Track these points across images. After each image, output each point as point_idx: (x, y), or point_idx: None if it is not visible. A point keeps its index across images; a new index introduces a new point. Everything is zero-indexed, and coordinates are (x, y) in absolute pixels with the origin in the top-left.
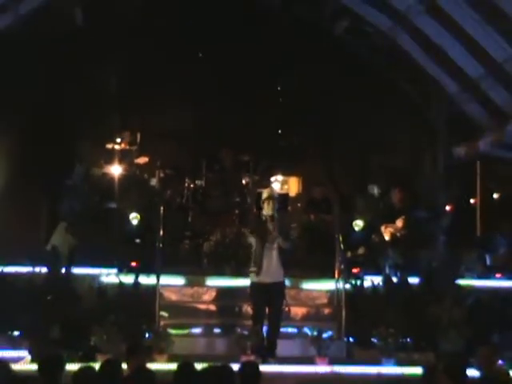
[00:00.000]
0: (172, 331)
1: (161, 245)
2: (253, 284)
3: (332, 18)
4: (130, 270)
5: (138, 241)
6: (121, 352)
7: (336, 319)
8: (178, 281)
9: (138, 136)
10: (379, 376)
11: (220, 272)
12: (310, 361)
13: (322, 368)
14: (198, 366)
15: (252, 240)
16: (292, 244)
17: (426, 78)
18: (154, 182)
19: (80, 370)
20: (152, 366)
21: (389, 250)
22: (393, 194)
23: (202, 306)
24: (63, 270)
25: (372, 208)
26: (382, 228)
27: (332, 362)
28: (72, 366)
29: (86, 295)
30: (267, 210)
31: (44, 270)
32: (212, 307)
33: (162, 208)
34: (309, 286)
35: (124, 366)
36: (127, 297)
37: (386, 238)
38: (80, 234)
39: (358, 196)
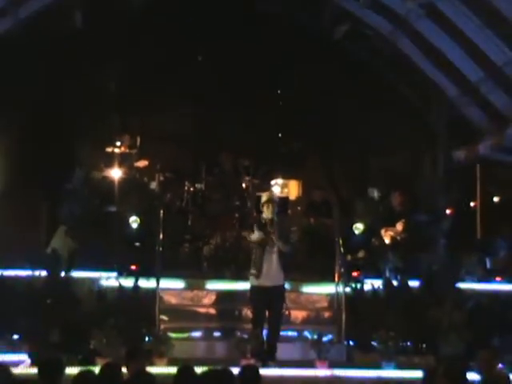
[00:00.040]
0: (172, 335)
1: (161, 248)
2: (253, 287)
3: (332, 22)
4: (129, 274)
5: (137, 244)
6: (120, 356)
7: (336, 323)
8: (178, 284)
9: (138, 139)
10: (379, 379)
11: (220, 275)
12: (310, 364)
13: (322, 371)
14: (198, 370)
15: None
16: (292, 247)
17: (426, 81)
18: (153, 185)
19: (80, 373)
20: (152, 369)
21: (389, 254)
22: (393, 198)
23: (202, 310)
24: (63, 274)
25: (372, 211)
26: (382, 231)
27: (332, 366)
28: (72, 370)
29: (85, 299)
30: (267, 213)
31: (44, 273)
32: (212, 311)
33: (161, 211)
34: (309, 289)
35: (124, 369)
36: (127, 300)
37: (386, 241)
38: (80, 237)
39: (358, 199)
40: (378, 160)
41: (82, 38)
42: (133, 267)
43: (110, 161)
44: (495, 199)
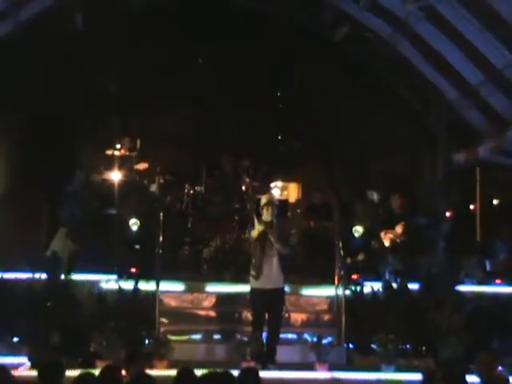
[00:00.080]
0: (172, 337)
1: (160, 251)
2: (253, 290)
3: (332, 24)
4: (129, 276)
5: (137, 247)
6: (120, 358)
7: (336, 325)
8: (178, 287)
9: (138, 142)
10: (379, 382)
11: (220, 278)
12: (309, 367)
13: (321, 374)
14: (198, 373)
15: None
16: (292, 250)
17: (425, 84)
18: (153, 187)
19: (80, 376)
20: (152, 372)
21: (388, 256)
22: (392, 200)
23: (202, 312)
24: (63, 276)
25: (372, 214)
26: (382, 234)
27: (332, 368)
28: (72, 373)
29: (85, 301)
30: (266, 215)
31: (44, 275)
32: (212, 313)
33: (161, 214)
34: (309, 292)
35: (124, 372)
36: (127, 303)
37: (386, 244)
38: (80, 239)
39: (357, 202)
40: (378, 162)
41: (83, 41)
42: (133, 270)
43: (110, 163)
44: (495, 202)
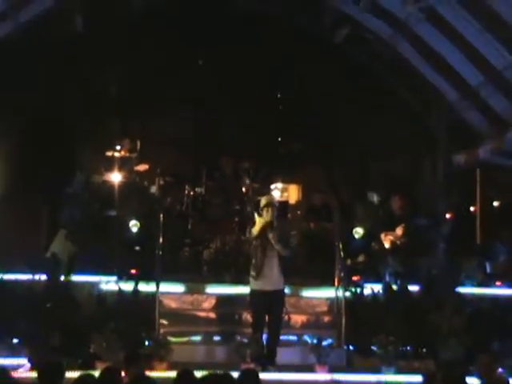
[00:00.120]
0: (172, 339)
1: (160, 252)
2: (253, 291)
3: (332, 25)
4: (129, 278)
5: (137, 248)
6: (120, 360)
7: (336, 327)
8: (178, 288)
9: (138, 143)
10: None
11: (220, 280)
12: (309, 369)
13: (321, 376)
14: (198, 374)
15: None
16: (292, 251)
17: (426, 85)
18: (153, 189)
19: (80, 377)
20: (152, 373)
21: (389, 258)
22: (393, 202)
23: (202, 314)
24: (63, 278)
25: (372, 215)
26: (382, 236)
27: (332, 370)
28: (71, 374)
29: (85, 303)
30: (266, 217)
31: (44, 277)
32: (212, 315)
33: (161, 215)
34: (309, 293)
35: (123, 373)
36: (127, 304)
37: (386, 245)
38: (80, 241)
39: (357, 203)
40: (378, 164)
41: (83, 42)
42: (133, 271)
43: (110, 165)
44: (495, 203)
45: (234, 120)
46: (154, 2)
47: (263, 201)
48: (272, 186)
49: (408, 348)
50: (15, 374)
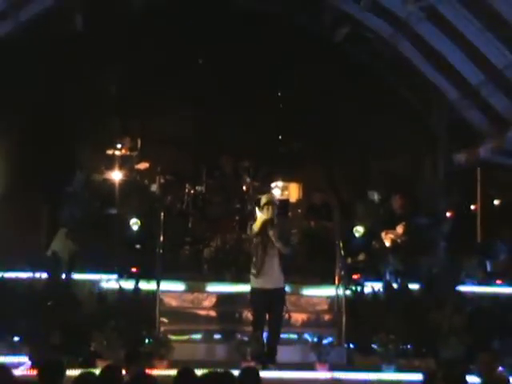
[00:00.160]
0: (172, 337)
1: (161, 251)
2: (253, 290)
3: (332, 24)
4: (130, 276)
5: (138, 246)
6: (121, 358)
7: (336, 325)
8: (178, 287)
9: (139, 142)
10: (379, 382)
11: (220, 278)
12: (310, 367)
13: (322, 374)
14: (198, 372)
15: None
16: (292, 250)
17: (426, 84)
18: (154, 187)
19: (80, 375)
20: (152, 371)
21: (389, 256)
22: (393, 200)
23: (202, 312)
24: (63, 276)
25: (372, 214)
26: (383, 234)
27: (332, 369)
28: (72, 372)
29: (86, 301)
30: (267, 215)
31: (44, 275)
32: (212, 313)
33: (162, 214)
34: (309, 292)
35: (124, 371)
36: (127, 303)
37: (387, 244)
38: (80, 239)
39: (358, 202)
40: (379, 163)
41: (83, 41)
42: (133, 269)
43: (110, 163)
44: (496, 202)
45: (234, 119)
46: (154, 0)
47: (264, 199)
48: (272, 185)
49: (408, 346)
50: (16, 372)
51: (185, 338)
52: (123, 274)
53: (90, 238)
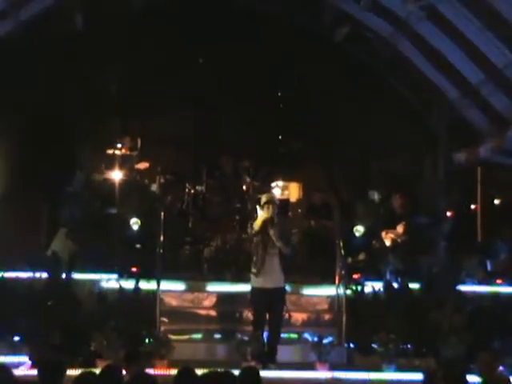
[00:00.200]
0: (172, 337)
1: (161, 250)
2: (253, 289)
3: (332, 24)
4: (130, 276)
5: (138, 246)
6: (121, 358)
7: (336, 325)
8: (179, 286)
9: (139, 141)
10: (380, 382)
11: (220, 278)
12: (310, 367)
13: (322, 374)
14: (199, 372)
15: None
16: (292, 249)
17: (426, 83)
18: (154, 187)
19: (80, 375)
20: (152, 371)
21: (389, 256)
22: (393, 200)
23: (203, 312)
24: (63, 276)
25: (372, 214)
26: (383, 234)
27: (332, 368)
28: (72, 372)
29: (86, 301)
30: (267, 214)
31: (44, 275)
32: (212, 313)
33: (162, 213)
34: (309, 291)
35: (124, 371)
36: (127, 302)
37: (387, 243)
38: (80, 239)
39: (358, 202)
40: (379, 162)
41: (83, 41)
42: (133, 269)
43: (110, 163)
44: (496, 201)
45: (234, 118)
46: (154, 0)
47: (264, 198)
48: (272, 185)
49: (409, 346)
50: (16, 372)
51: (185, 337)
52: (123, 273)
53: (90, 237)
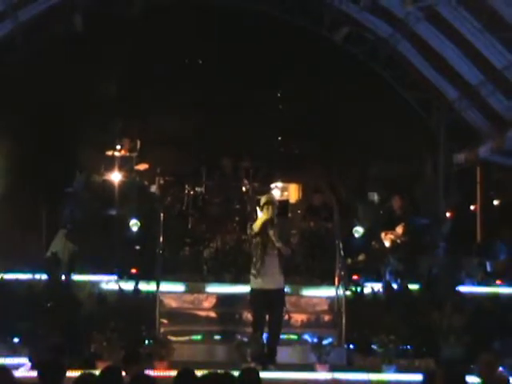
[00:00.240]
0: (172, 338)
1: (161, 251)
2: (253, 290)
3: (332, 25)
4: (130, 277)
5: (138, 247)
6: (121, 359)
7: (336, 326)
8: (178, 287)
9: (138, 143)
10: (379, 383)
11: (220, 279)
12: (310, 368)
13: (322, 375)
14: (199, 373)
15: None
16: (292, 250)
17: (426, 84)
18: (154, 188)
19: (80, 376)
20: (152, 372)
21: (389, 257)
22: (393, 201)
23: (202, 313)
24: (63, 277)
25: (372, 215)
26: (382, 235)
27: (332, 369)
28: (72, 373)
29: (85, 302)
30: (266, 215)
31: (44, 276)
32: (212, 314)
33: (162, 215)
34: (309, 292)
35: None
36: (127, 303)
37: (387, 244)
38: (80, 240)
39: (358, 203)
40: (378, 163)
41: (83, 41)
42: (133, 270)
43: (110, 164)
44: (495, 202)
45: (234, 119)
46: (154, 0)
47: (263, 199)
48: (272, 186)
49: (408, 347)
50: (16, 374)
51: (185, 338)
52: (123, 274)
53: (90, 238)
